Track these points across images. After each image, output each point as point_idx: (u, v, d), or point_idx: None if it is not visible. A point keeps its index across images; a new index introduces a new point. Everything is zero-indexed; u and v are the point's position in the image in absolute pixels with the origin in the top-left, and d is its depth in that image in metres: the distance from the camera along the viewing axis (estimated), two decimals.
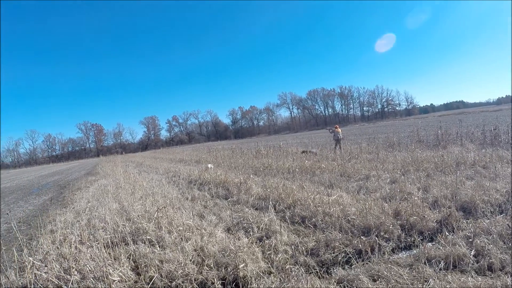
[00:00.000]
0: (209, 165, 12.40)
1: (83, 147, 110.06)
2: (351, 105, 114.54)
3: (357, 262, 3.46)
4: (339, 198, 5.49)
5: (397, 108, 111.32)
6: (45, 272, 3.51)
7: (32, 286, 3.30)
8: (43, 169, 53.27)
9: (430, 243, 3.84)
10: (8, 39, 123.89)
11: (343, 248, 3.78)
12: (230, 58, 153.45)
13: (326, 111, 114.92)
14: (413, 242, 3.89)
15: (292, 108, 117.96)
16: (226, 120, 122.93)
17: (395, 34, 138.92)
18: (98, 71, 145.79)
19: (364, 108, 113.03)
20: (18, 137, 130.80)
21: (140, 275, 3.55)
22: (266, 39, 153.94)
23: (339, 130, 15.71)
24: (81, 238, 4.58)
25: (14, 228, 5.59)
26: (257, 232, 4.52)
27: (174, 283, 3.34)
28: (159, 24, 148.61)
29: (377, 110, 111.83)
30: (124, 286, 3.39)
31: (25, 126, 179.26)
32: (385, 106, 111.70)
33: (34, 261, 3.62)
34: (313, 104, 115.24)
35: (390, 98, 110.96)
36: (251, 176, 9.30)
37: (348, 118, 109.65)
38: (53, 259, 3.81)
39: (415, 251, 3.65)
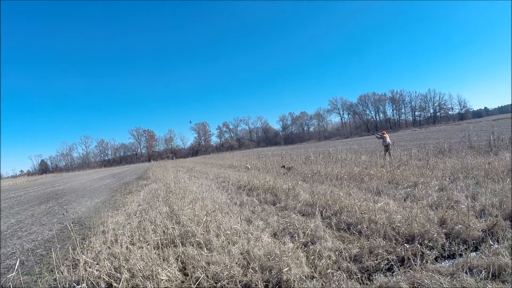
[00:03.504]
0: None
1: (134, 152, 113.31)
2: (403, 110, 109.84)
3: (399, 270, 3.48)
4: (385, 206, 5.45)
5: (449, 112, 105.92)
6: (96, 270, 3.73)
7: (84, 282, 3.47)
8: (95, 172, 56.02)
9: (473, 253, 3.79)
10: (67, 51, 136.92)
11: (386, 255, 3.80)
12: (282, 66, 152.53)
13: (377, 116, 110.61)
14: (457, 251, 3.84)
15: (343, 114, 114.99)
16: (276, 126, 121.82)
17: (447, 35, 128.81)
18: (151, 80, 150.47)
19: (416, 113, 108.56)
20: (72, 142, 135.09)
21: (187, 276, 3.66)
22: (317, 46, 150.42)
23: (387, 135, 15.84)
24: (131, 239, 4.88)
25: (68, 227, 5.90)
26: (303, 237, 4.57)
27: (219, 284, 3.44)
28: (210, 33, 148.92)
29: (429, 115, 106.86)
30: (172, 285, 3.50)
31: (80, 132, 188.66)
32: (437, 110, 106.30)
33: (87, 259, 3.82)
34: (364, 109, 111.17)
35: (442, 102, 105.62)
36: (300, 182, 9.28)
37: (399, 123, 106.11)
38: (104, 258, 4.03)
39: (457, 260, 3.61)
